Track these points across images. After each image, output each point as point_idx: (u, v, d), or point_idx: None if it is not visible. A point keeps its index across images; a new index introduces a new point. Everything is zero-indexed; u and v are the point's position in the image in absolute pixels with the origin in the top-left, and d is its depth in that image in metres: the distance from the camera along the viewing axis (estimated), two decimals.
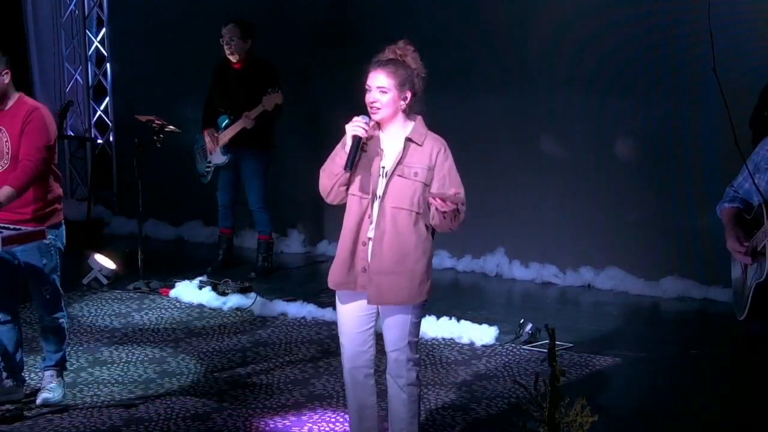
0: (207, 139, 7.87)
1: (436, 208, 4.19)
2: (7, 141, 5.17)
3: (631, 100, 7.54)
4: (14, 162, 5.14)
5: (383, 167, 4.29)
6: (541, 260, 7.98)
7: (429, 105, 8.40)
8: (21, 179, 5.05)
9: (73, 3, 10.22)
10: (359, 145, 4.24)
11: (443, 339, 6.43)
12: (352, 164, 4.24)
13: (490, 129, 8.11)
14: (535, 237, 8.02)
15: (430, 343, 6.37)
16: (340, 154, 4.28)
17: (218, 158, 7.93)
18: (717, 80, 6.01)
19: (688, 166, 7.41)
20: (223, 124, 7.83)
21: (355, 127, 4.23)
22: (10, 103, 5.22)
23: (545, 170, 7.93)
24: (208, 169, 8.04)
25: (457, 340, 6.40)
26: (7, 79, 5.19)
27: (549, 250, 7.97)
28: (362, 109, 4.31)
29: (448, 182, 4.25)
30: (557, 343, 4.04)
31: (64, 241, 5.39)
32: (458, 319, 6.56)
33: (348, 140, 4.24)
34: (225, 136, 7.77)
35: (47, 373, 5.45)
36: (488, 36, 8.04)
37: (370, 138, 4.32)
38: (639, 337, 6.57)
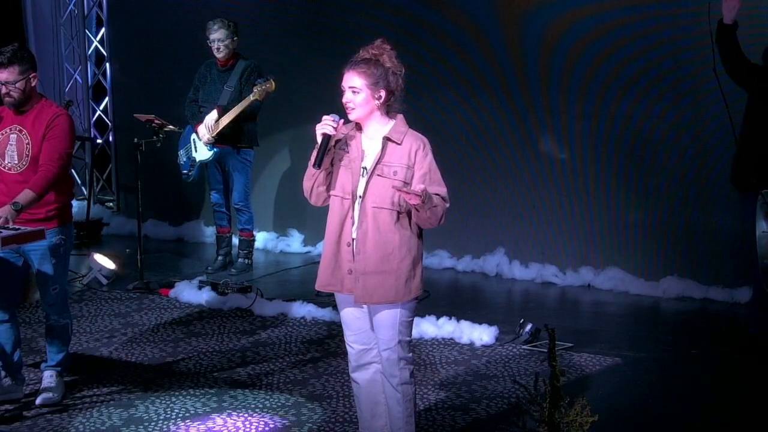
0: (202, 131, 7.82)
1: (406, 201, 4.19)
2: (28, 143, 5.20)
3: (631, 100, 7.54)
4: (33, 163, 5.19)
5: (364, 167, 4.31)
6: (541, 260, 7.97)
7: (428, 105, 8.46)
8: (41, 184, 5.10)
9: (73, 3, 10.22)
10: (328, 143, 4.27)
11: (443, 339, 6.42)
12: (320, 162, 4.27)
13: (490, 129, 8.11)
14: (535, 237, 8.02)
15: (430, 343, 6.37)
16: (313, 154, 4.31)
17: (203, 155, 7.92)
18: (717, 80, 6.06)
19: (688, 167, 7.42)
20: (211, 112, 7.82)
21: (324, 125, 4.26)
22: (34, 106, 5.26)
23: (545, 170, 7.93)
24: (193, 167, 8.03)
25: (457, 340, 6.40)
26: (34, 82, 5.24)
27: (549, 250, 7.97)
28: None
29: (429, 180, 4.25)
30: (557, 343, 4.05)
31: (74, 240, 5.43)
32: (458, 319, 6.55)
33: (318, 139, 4.27)
34: (223, 121, 7.71)
35: (47, 373, 5.45)
36: (488, 36, 8.03)
37: (351, 138, 4.33)
38: (639, 337, 6.56)
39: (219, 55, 7.85)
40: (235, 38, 7.86)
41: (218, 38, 7.80)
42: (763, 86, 5.81)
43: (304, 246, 8.94)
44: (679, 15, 7.23)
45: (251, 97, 7.58)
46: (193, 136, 7.95)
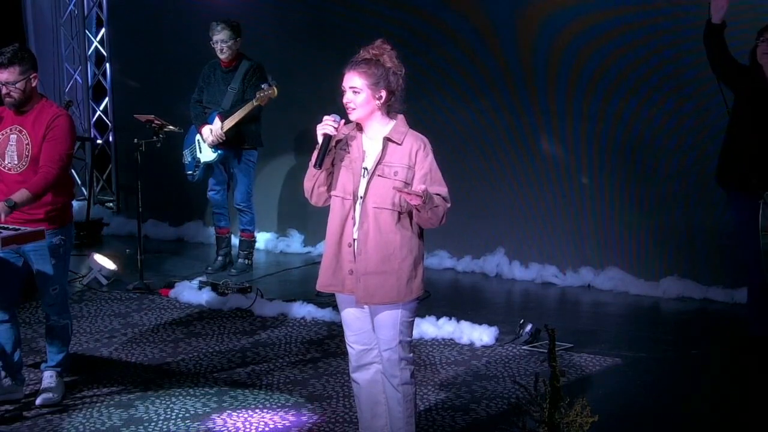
0: (206, 133, 7.83)
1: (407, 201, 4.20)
2: (27, 143, 5.19)
3: (631, 100, 7.54)
4: (33, 164, 5.18)
5: (365, 168, 4.31)
6: (541, 260, 7.97)
7: (429, 105, 8.46)
8: (39, 185, 5.09)
9: (73, 3, 10.22)
10: (329, 143, 4.27)
11: (443, 339, 6.42)
12: (321, 162, 4.26)
13: (491, 129, 8.11)
14: (535, 237, 8.02)
15: (430, 343, 6.37)
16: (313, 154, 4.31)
17: (207, 155, 7.92)
18: (718, 82, 6.06)
19: (688, 167, 7.42)
20: (214, 120, 7.82)
21: (324, 125, 4.26)
22: (34, 106, 5.25)
23: (545, 170, 7.93)
24: (197, 167, 8.03)
25: (457, 340, 6.40)
26: (35, 82, 5.23)
27: (549, 250, 7.97)
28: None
29: (430, 180, 4.25)
30: (557, 343, 4.05)
31: (74, 241, 5.43)
32: (458, 320, 6.55)
33: (319, 139, 4.27)
34: (226, 126, 7.72)
35: (47, 373, 5.45)
36: (488, 37, 8.03)
37: (351, 139, 4.33)
38: (639, 337, 6.56)
39: (222, 56, 7.84)
40: (239, 39, 7.85)
41: (222, 39, 7.80)
42: (750, 87, 5.83)
43: (304, 246, 8.94)
44: (680, 18, 7.23)
45: (254, 103, 7.58)
46: (198, 136, 7.96)
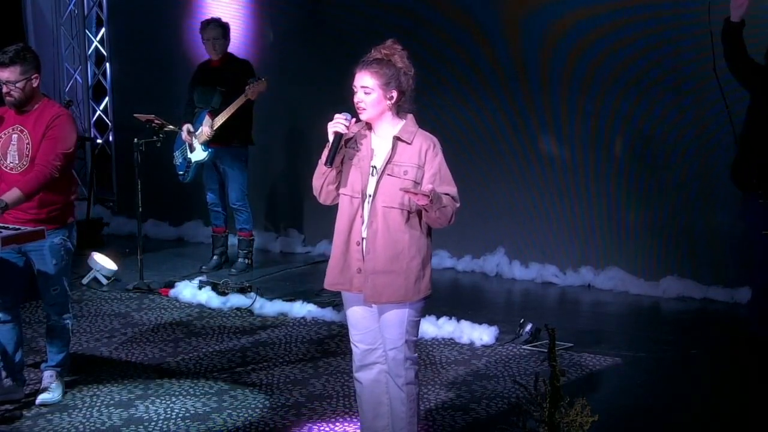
0: (184, 134, 7.86)
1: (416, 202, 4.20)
2: (28, 143, 5.19)
3: (631, 100, 7.55)
4: (33, 164, 5.17)
5: (374, 167, 4.31)
6: (541, 260, 7.98)
7: (429, 105, 8.46)
8: (31, 184, 5.08)
9: (73, 3, 10.23)
10: (340, 141, 4.27)
11: (443, 339, 6.43)
12: (332, 160, 4.26)
13: (490, 129, 8.11)
14: (535, 237, 8.02)
15: (430, 343, 6.37)
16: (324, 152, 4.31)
17: (198, 155, 7.93)
18: (717, 80, 6.06)
19: (688, 166, 7.42)
20: (203, 121, 7.84)
21: (336, 123, 4.26)
22: (35, 106, 5.24)
23: (545, 170, 7.94)
24: (188, 168, 8.03)
25: (457, 340, 6.40)
26: (36, 83, 5.22)
27: (549, 250, 7.98)
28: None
29: (439, 180, 4.25)
30: (557, 343, 4.05)
31: (75, 241, 5.43)
32: (458, 319, 6.56)
33: (330, 137, 4.27)
34: (217, 122, 7.72)
35: (47, 373, 5.45)
36: (488, 36, 8.04)
37: (361, 137, 4.33)
38: (639, 337, 6.57)
39: (214, 54, 7.88)
40: (228, 38, 7.90)
41: (213, 37, 7.85)
42: (765, 86, 5.80)
43: (304, 246, 8.94)
44: (680, 15, 7.24)
45: (243, 97, 7.60)
46: (185, 133, 7.96)
